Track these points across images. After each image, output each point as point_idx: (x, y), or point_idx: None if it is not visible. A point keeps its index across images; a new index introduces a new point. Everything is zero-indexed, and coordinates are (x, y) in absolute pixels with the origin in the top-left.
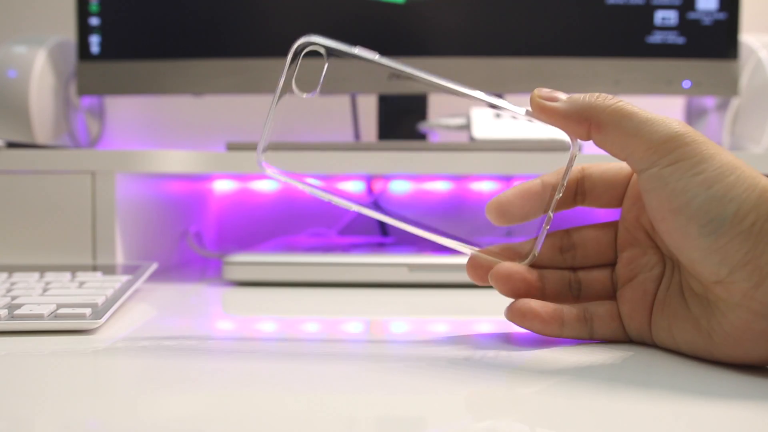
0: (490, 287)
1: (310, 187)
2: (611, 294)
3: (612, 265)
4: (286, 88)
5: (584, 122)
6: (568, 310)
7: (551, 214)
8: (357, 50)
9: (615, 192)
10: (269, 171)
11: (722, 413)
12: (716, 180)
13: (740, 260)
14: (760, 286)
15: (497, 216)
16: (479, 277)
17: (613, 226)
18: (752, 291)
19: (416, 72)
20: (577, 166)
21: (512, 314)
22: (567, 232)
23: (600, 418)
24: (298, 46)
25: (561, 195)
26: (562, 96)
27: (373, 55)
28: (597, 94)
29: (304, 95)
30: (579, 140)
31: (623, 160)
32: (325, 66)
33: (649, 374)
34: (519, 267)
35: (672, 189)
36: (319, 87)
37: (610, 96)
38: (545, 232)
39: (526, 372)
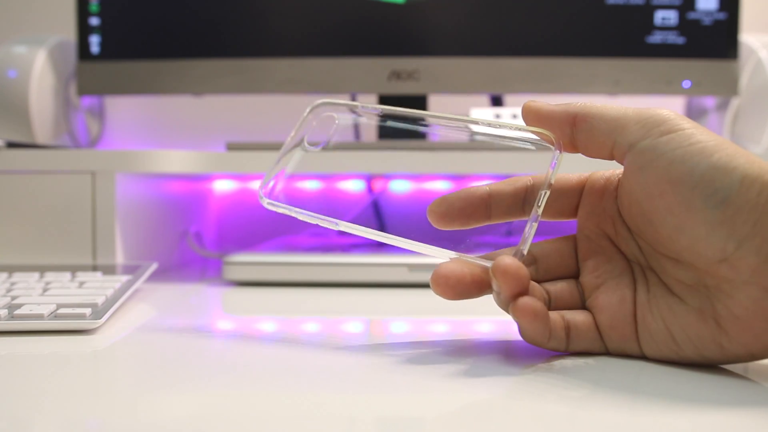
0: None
1: (306, 215)
2: (580, 305)
3: (575, 277)
4: (297, 143)
5: (569, 116)
6: (553, 316)
7: (539, 211)
8: (360, 107)
9: (566, 200)
10: (266, 202)
11: (715, 421)
12: (716, 149)
13: (748, 232)
14: None
15: (437, 217)
16: (448, 289)
17: (572, 238)
18: (762, 266)
19: (419, 113)
20: (527, 176)
21: (521, 312)
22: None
23: (602, 424)
24: (312, 107)
25: (548, 192)
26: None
27: (376, 109)
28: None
29: (313, 148)
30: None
31: (609, 146)
32: (335, 123)
33: (638, 379)
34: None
35: (670, 159)
36: (328, 141)
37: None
38: (533, 233)
39: (526, 372)
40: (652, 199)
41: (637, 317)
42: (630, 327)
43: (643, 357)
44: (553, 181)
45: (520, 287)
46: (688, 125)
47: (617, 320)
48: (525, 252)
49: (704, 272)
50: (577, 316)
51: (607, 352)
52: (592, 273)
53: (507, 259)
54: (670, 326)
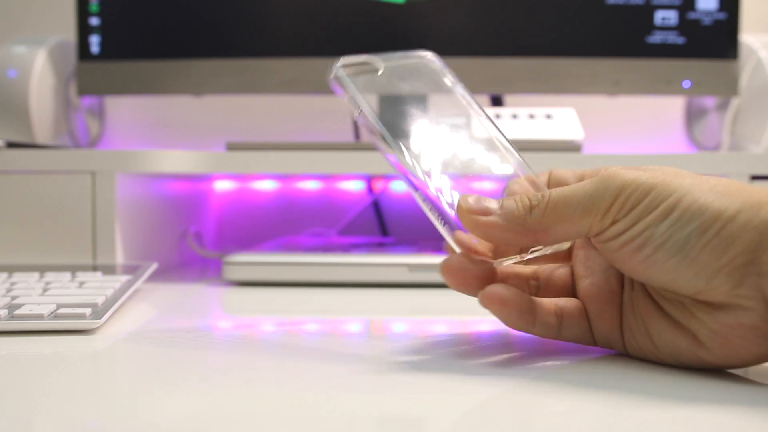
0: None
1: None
2: (571, 292)
3: (566, 264)
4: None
5: (529, 234)
6: (540, 304)
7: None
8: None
9: None
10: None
11: (703, 418)
12: (673, 206)
13: (714, 267)
14: (741, 283)
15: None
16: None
17: None
18: (735, 290)
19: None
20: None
21: (489, 300)
22: None
23: (601, 424)
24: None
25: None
26: (493, 204)
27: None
28: (528, 197)
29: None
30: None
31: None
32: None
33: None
34: (470, 265)
35: (629, 236)
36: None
37: (542, 192)
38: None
39: (526, 372)
40: (615, 263)
41: (622, 313)
42: (616, 322)
43: (626, 354)
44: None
45: (466, 285)
46: (642, 190)
47: (605, 311)
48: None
49: (684, 297)
50: (569, 303)
51: (595, 345)
52: (584, 263)
53: (454, 262)
54: (649, 328)
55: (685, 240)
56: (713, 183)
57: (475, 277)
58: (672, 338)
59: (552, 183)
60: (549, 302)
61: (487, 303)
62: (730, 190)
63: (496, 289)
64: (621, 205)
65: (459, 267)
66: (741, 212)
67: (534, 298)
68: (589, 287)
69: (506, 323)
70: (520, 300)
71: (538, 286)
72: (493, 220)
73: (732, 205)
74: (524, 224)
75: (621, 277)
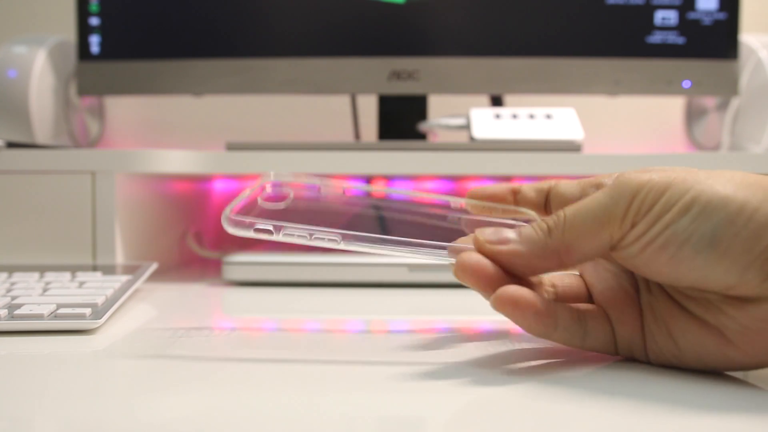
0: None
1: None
2: (586, 300)
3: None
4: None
5: (552, 256)
6: (562, 307)
7: None
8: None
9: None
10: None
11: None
12: (692, 201)
13: (747, 260)
14: None
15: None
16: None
17: None
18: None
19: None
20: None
21: (501, 302)
22: None
23: (601, 425)
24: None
25: None
26: (511, 234)
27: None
28: (545, 220)
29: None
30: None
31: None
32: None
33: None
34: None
35: (651, 236)
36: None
37: (557, 213)
38: None
39: (526, 372)
40: (639, 269)
41: (643, 316)
42: (638, 322)
43: (646, 362)
44: None
45: (486, 284)
46: (658, 191)
47: (626, 314)
48: None
49: (711, 294)
50: (592, 308)
51: (616, 354)
52: (595, 268)
53: (473, 256)
54: (672, 330)
55: (712, 233)
56: (729, 176)
57: (490, 276)
58: (697, 338)
59: (555, 198)
60: (569, 307)
61: (498, 306)
62: (749, 181)
63: (506, 289)
64: (638, 208)
65: (477, 265)
66: (765, 201)
67: (555, 301)
68: (605, 292)
69: (525, 329)
70: (535, 300)
71: (556, 293)
72: (514, 248)
73: (755, 195)
74: (546, 247)
75: (635, 281)
